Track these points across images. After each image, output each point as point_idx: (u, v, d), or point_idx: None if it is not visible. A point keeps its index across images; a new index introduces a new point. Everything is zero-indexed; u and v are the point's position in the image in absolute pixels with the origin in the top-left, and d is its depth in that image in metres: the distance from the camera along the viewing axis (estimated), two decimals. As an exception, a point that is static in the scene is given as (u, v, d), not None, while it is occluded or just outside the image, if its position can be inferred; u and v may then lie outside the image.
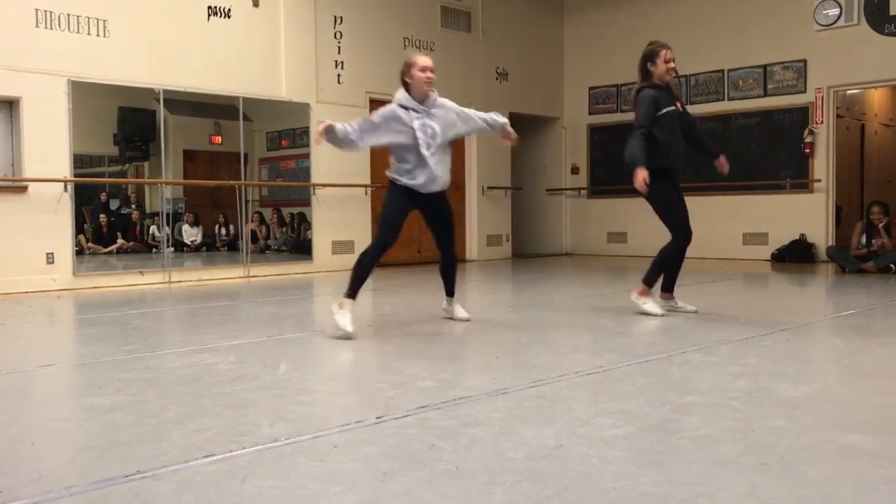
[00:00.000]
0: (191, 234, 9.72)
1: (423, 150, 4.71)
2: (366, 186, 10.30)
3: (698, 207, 11.64)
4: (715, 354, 3.95)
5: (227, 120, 9.43)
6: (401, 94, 4.78)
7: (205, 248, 9.82)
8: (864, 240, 8.90)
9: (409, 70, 4.73)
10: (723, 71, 11.34)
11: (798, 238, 10.48)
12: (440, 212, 4.99)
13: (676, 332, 4.69)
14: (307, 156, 9.81)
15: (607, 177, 12.59)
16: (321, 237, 9.90)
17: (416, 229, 11.14)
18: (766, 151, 10.94)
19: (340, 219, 10.07)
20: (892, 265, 8.60)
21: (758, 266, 10.09)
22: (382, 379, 3.57)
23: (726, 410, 2.84)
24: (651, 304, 5.38)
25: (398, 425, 2.67)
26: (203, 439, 2.53)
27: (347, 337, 4.51)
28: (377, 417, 2.76)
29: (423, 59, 4.74)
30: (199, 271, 9.02)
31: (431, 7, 11.17)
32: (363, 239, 10.29)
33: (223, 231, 9.93)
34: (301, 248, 10.01)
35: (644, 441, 2.47)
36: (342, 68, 10.05)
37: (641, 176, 5.03)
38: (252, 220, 9.84)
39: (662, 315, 5.28)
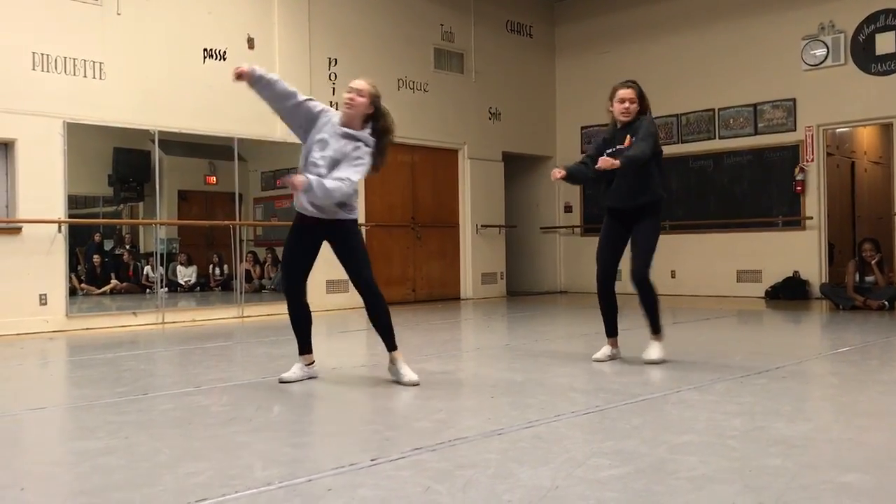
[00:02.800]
0: (185, 274, 9.70)
1: (312, 167, 4.27)
2: (360, 225, 10.30)
3: (692, 245, 11.75)
4: (711, 393, 3.94)
5: (221, 160, 9.48)
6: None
7: (199, 288, 9.79)
8: (857, 277, 8.93)
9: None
10: (713, 110, 11.47)
11: (791, 275, 10.50)
12: (342, 240, 4.53)
13: (672, 371, 4.68)
14: (301, 195, 9.83)
15: (601, 215, 12.61)
16: (315, 276, 9.77)
17: (410, 267, 11.18)
18: (757, 189, 11.02)
19: (334, 258, 10.02)
20: (886, 301, 8.62)
21: (752, 303, 10.10)
22: (377, 420, 3.55)
23: (723, 450, 2.83)
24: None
25: (393, 467, 2.65)
26: (196, 483, 2.50)
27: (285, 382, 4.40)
28: (372, 460, 2.73)
29: (356, 83, 4.40)
30: (193, 312, 8.98)
31: (425, 49, 11.30)
32: (357, 278, 10.29)
33: (217, 271, 9.91)
34: (295, 287, 9.98)
35: (641, 482, 2.46)
36: (337, 109, 10.12)
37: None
38: (246, 260, 9.83)
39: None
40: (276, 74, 4.44)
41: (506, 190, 12.40)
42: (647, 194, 5.06)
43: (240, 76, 4.34)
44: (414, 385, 4.25)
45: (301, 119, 4.39)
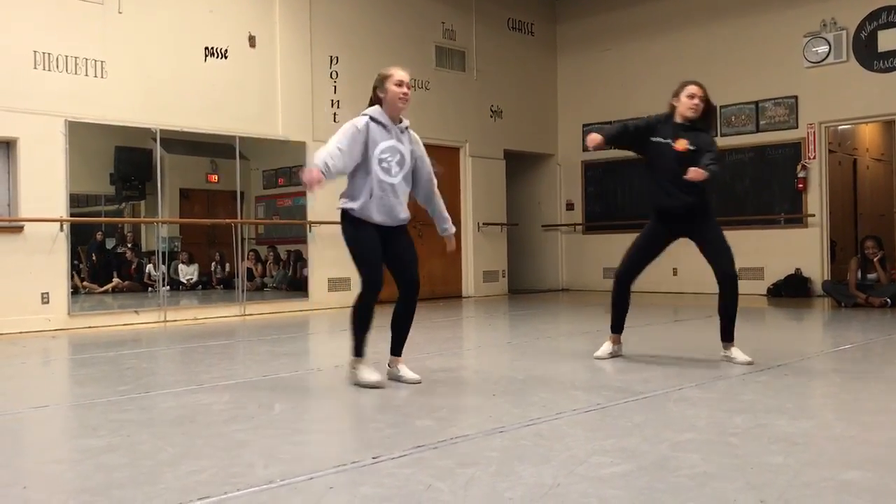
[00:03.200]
0: (186, 272, 9.70)
1: (383, 176, 4.14)
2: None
3: (694, 243, 11.70)
4: (712, 391, 3.94)
5: (223, 158, 9.48)
6: (373, 108, 4.28)
7: (200, 286, 9.79)
8: (860, 275, 8.92)
9: (382, 84, 4.26)
10: (715, 107, 11.44)
11: (794, 273, 10.49)
12: (399, 242, 4.33)
13: (673, 369, 4.67)
14: (303, 193, 9.84)
15: (602, 212, 12.65)
16: (317, 274, 9.90)
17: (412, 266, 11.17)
18: (759, 187, 11.01)
19: (337, 256, 10.04)
20: (889, 299, 8.61)
21: (754, 301, 10.09)
22: (378, 418, 3.55)
23: (725, 447, 2.83)
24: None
25: (395, 465, 2.65)
26: (197, 481, 2.50)
27: (379, 386, 4.14)
28: (373, 457, 2.74)
29: (401, 73, 4.26)
30: (195, 310, 8.99)
31: (426, 47, 11.30)
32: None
33: (219, 269, 9.91)
34: (297, 285, 9.99)
35: (642, 479, 2.46)
36: (338, 107, 10.14)
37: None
38: (248, 258, 9.84)
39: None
40: (329, 158, 4.16)
41: (507, 188, 12.39)
42: (704, 192, 4.96)
43: (312, 185, 4.11)
44: (416, 383, 4.24)
45: (356, 151, 4.19)
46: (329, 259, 9.97)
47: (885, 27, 9.95)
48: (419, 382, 4.26)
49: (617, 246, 12.27)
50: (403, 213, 4.27)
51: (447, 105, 11.54)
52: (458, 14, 11.70)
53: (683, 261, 11.73)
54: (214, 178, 9.82)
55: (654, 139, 4.91)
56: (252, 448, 2.93)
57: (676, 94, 4.99)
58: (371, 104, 4.33)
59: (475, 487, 2.40)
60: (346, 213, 4.28)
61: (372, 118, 4.20)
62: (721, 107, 11.40)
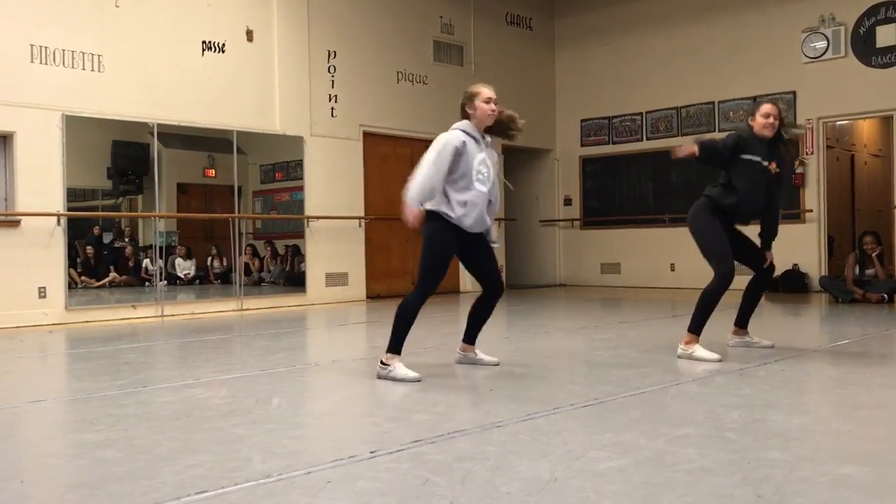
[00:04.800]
0: (184, 267, 9.70)
1: (479, 186, 4.32)
2: (359, 218, 10.33)
3: (691, 238, 11.71)
4: (710, 385, 3.94)
5: (220, 153, 9.46)
6: (463, 123, 4.48)
7: (198, 281, 9.79)
8: (857, 270, 8.93)
9: (472, 101, 4.48)
10: (713, 102, 11.45)
11: (791, 268, 10.50)
12: (481, 248, 4.55)
13: (670, 364, 4.68)
14: (301, 188, 9.84)
15: (600, 208, 12.65)
16: (315, 269, 9.89)
17: (409, 260, 11.17)
18: (757, 182, 11.00)
19: (334, 251, 10.08)
20: (886, 295, 8.62)
21: (751, 296, 10.08)
22: (376, 413, 3.55)
23: (722, 442, 2.83)
24: (702, 351, 4.83)
25: (392, 460, 2.65)
26: (195, 475, 2.50)
27: (418, 379, 4.17)
28: (371, 452, 2.74)
29: (488, 91, 4.50)
30: (192, 304, 8.99)
31: (424, 41, 11.28)
32: (357, 271, 10.30)
33: (216, 264, 9.91)
34: (295, 280, 9.99)
35: (640, 474, 2.46)
36: (336, 102, 10.12)
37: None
38: (245, 253, 9.83)
39: (718, 360, 4.70)
40: (422, 195, 4.36)
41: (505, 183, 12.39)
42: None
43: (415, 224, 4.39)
44: (495, 365, 4.61)
45: (453, 163, 4.35)
46: (327, 254, 9.97)
47: (884, 22, 9.94)
48: (497, 364, 4.62)
49: (615, 241, 12.37)
50: (489, 221, 4.52)
51: (445, 100, 11.51)
52: (457, 8, 11.69)
53: (681, 257, 11.78)
54: (212, 172, 9.81)
55: (745, 157, 5.02)
56: (249, 442, 2.93)
57: (752, 114, 5.19)
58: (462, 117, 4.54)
59: (472, 482, 2.40)
60: (437, 216, 4.41)
61: (466, 132, 4.42)
62: (719, 102, 11.41)
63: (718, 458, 2.61)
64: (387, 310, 8.86)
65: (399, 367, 4.23)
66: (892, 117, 10.09)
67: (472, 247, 4.50)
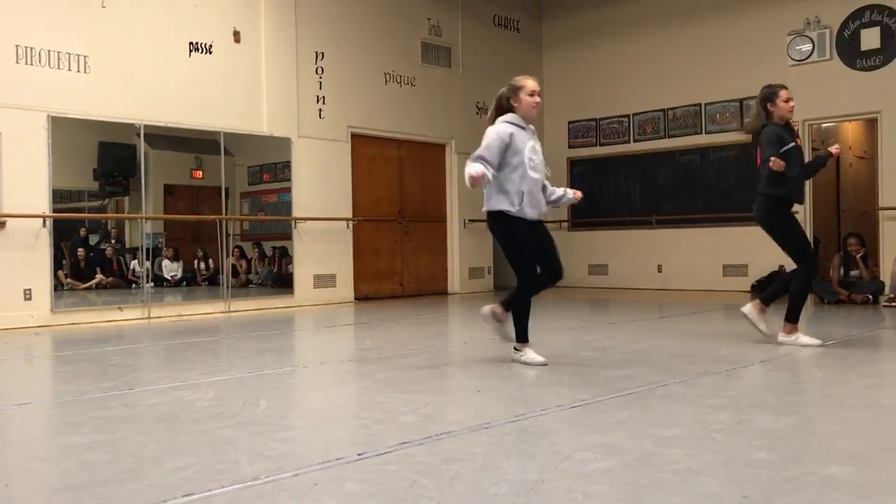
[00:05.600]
0: (171, 268, 9.65)
1: (533, 174, 4.56)
2: (347, 220, 10.31)
3: (679, 239, 11.80)
4: (696, 386, 3.96)
5: (208, 154, 9.43)
6: (509, 115, 4.64)
7: (185, 283, 9.75)
8: (842, 272, 9.00)
9: (516, 94, 4.62)
10: (700, 105, 11.51)
11: (777, 269, 10.55)
12: (543, 236, 4.75)
13: (657, 365, 4.70)
14: (288, 190, 9.82)
15: (588, 209, 12.68)
16: (303, 271, 9.87)
17: (397, 261, 11.17)
18: (743, 184, 11.05)
19: (322, 252, 10.06)
20: (870, 296, 8.69)
21: (738, 297, 10.14)
22: (364, 415, 3.55)
23: (708, 443, 2.84)
24: (804, 338, 5.46)
25: (380, 461, 2.65)
26: (182, 478, 2.50)
27: (545, 364, 4.63)
28: (358, 454, 2.73)
29: (532, 83, 4.64)
30: (179, 306, 8.95)
31: (412, 43, 11.28)
32: (345, 272, 10.28)
33: (203, 266, 9.87)
34: (282, 282, 9.97)
35: (627, 475, 2.47)
36: (324, 103, 10.11)
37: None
38: (233, 255, 9.80)
39: (820, 345, 5.35)
40: (483, 167, 4.48)
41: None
42: None
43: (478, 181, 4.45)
44: (543, 365, 4.63)
45: (506, 152, 4.59)
46: (314, 256, 9.95)
47: (868, 26, 10.02)
48: (546, 364, 4.64)
49: (602, 243, 12.40)
50: (545, 206, 4.76)
51: (433, 101, 11.54)
52: (445, 10, 11.70)
53: (669, 258, 11.84)
54: (199, 173, 9.77)
55: (784, 148, 5.35)
56: (237, 445, 2.92)
57: (771, 100, 5.45)
58: (498, 111, 4.70)
59: (460, 483, 2.40)
60: (499, 215, 4.60)
61: (512, 123, 4.60)
62: (705, 104, 11.47)
63: (705, 459, 2.63)
64: (375, 311, 8.87)
65: (528, 353, 4.69)
66: (877, 119, 10.17)
67: (534, 233, 4.67)
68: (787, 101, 5.44)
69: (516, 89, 4.64)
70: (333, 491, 2.36)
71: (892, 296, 8.40)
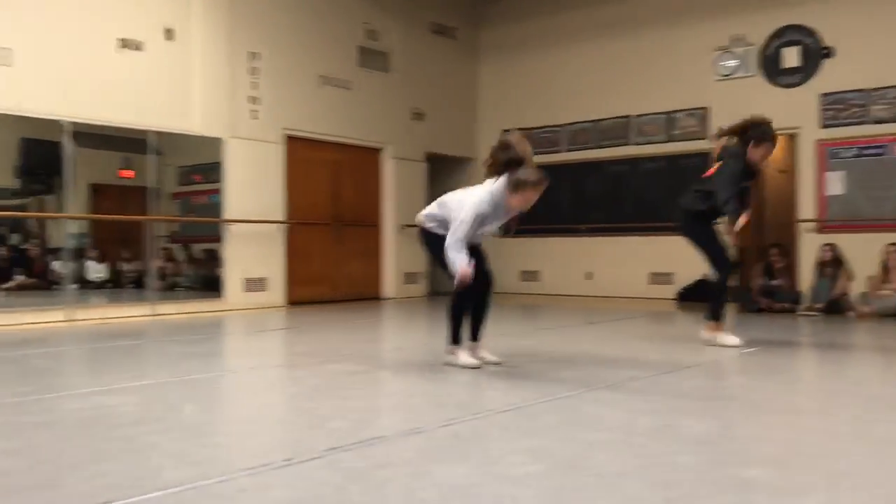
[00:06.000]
0: (95, 270, 9.39)
1: (476, 240, 4.82)
2: (281, 223, 10.19)
3: (608, 248, 12.02)
4: (623, 391, 4.04)
5: (136, 154, 9.20)
6: (499, 188, 4.59)
7: (110, 285, 9.49)
8: (764, 281, 9.31)
9: (516, 189, 4.56)
10: (628, 117, 11.76)
11: (702, 278, 10.83)
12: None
13: (587, 370, 4.78)
14: (220, 191, 9.65)
15: (520, 217, 12.80)
16: (233, 274, 9.70)
17: (330, 266, 11.09)
18: (670, 195, 11.27)
19: (253, 256, 9.91)
20: (790, 304, 9.01)
21: (663, 305, 10.40)
22: (293, 420, 3.51)
23: (634, 447, 2.90)
24: (726, 337, 5.76)
25: (308, 468, 2.63)
26: (102, 485, 2.43)
27: (478, 366, 4.72)
28: (286, 460, 2.70)
29: (535, 193, 4.60)
30: (104, 309, 8.70)
31: (349, 46, 11.23)
32: (277, 276, 10.15)
33: (130, 268, 9.62)
34: (211, 285, 9.78)
35: (554, 479, 2.50)
36: (257, 104, 9.98)
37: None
38: (160, 257, 9.58)
39: (740, 345, 5.67)
40: (461, 255, 4.56)
41: (429, 190, 12.42)
42: None
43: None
44: (498, 364, 4.80)
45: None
46: (245, 259, 9.79)
47: (789, 45, 10.40)
48: (500, 364, 4.81)
49: (534, 250, 12.54)
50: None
51: (369, 106, 11.50)
52: (382, 15, 11.68)
53: (598, 266, 12.05)
54: (127, 173, 9.53)
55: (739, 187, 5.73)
56: (161, 450, 2.86)
57: (759, 143, 5.84)
58: (499, 169, 4.62)
59: (389, 489, 2.40)
60: (436, 237, 4.73)
61: (495, 202, 4.63)
62: (634, 116, 11.72)
63: (630, 463, 2.68)
64: (307, 316, 8.77)
65: (461, 355, 4.79)
66: (797, 135, 10.55)
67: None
68: (765, 156, 5.82)
69: (524, 184, 4.56)
70: (260, 497, 2.33)
71: (809, 305, 8.72)
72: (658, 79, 11.41)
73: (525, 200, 4.60)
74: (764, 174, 12.46)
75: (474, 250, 4.86)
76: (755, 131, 5.81)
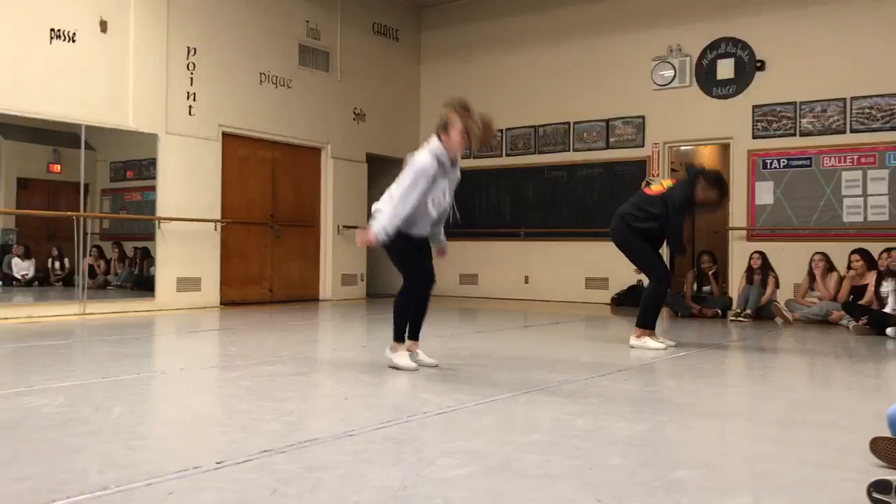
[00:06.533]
0: (21, 267, 9.09)
1: (433, 211, 4.70)
2: (216, 221, 10.01)
3: (545, 252, 12.15)
4: (557, 394, 4.08)
5: (67, 148, 8.94)
6: (437, 147, 4.62)
7: (37, 283, 9.19)
8: (695, 287, 9.55)
9: (446, 128, 4.61)
10: (568, 123, 11.92)
11: (635, 283, 11.05)
12: (423, 243, 4.97)
13: (521, 373, 4.82)
14: (153, 188, 9.44)
15: (460, 220, 12.84)
16: (165, 273, 9.49)
17: (267, 266, 10.95)
18: (607, 201, 11.52)
19: (187, 254, 9.72)
20: (720, 310, 9.25)
21: (599, 309, 10.56)
22: (225, 422, 3.45)
23: (567, 449, 2.94)
24: (652, 342, 6.07)
25: (240, 470, 2.58)
26: (23, 488, 2.34)
27: (416, 369, 4.77)
28: (217, 462, 2.66)
29: (462, 122, 4.58)
30: (30, 308, 8.42)
31: (289, 44, 11.12)
32: (211, 275, 9.98)
33: (58, 265, 9.34)
34: (143, 284, 9.56)
35: (487, 480, 2.51)
36: (194, 100, 9.79)
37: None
38: (91, 254, 9.32)
39: (666, 348, 6.00)
40: (391, 226, 4.61)
41: (369, 191, 12.38)
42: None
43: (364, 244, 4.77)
44: (434, 367, 4.83)
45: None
46: (179, 258, 9.60)
47: (724, 56, 10.69)
48: (436, 366, 4.83)
49: (473, 253, 12.60)
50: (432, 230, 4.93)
51: (310, 105, 11.41)
52: (323, 14, 11.60)
53: (535, 270, 12.17)
54: (57, 167, 9.26)
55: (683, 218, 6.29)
56: (86, 453, 2.78)
57: (712, 188, 6.14)
58: (438, 130, 4.71)
59: (322, 491, 2.38)
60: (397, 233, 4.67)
61: (439, 160, 4.60)
62: (574, 123, 11.89)
63: (563, 465, 2.71)
64: (242, 317, 8.64)
65: (401, 356, 4.81)
66: (730, 145, 10.84)
67: (422, 246, 4.94)
68: (707, 200, 6.13)
69: (448, 123, 4.60)
70: (189, 500, 2.28)
71: (738, 311, 8.97)
72: (597, 86, 11.60)
73: (459, 133, 4.58)
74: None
75: (423, 246, 4.91)
76: (712, 174, 6.17)
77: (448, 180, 4.72)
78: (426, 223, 4.78)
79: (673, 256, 6.75)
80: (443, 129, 4.63)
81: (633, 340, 6.13)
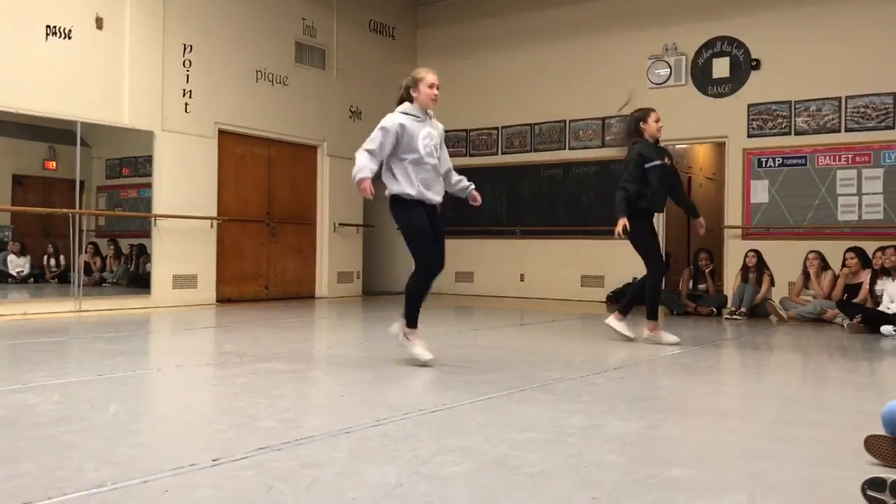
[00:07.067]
0: (17, 264, 9.07)
1: (429, 160, 4.81)
2: (212, 219, 10.00)
3: (541, 250, 12.16)
4: (553, 392, 4.09)
5: (63, 145, 8.92)
6: (404, 106, 4.92)
7: (32, 280, 9.18)
8: (691, 285, 9.56)
9: (416, 85, 4.91)
10: (564, 121, 11.93)
11: (631, 281, 11.06)
12: (437, 224, 4.94)
13: (518, 371, 4.83)
14: (149, 185, 9.43)
15: (457, 217, 12.84)
16: (161, 271, 9.48)
17: (263, 264, 10.94)
18: (602, 199, 11.55)
19: (183, 252, 9.71)
20: (715, 308, 9.27)
21: (594, 307, 10.57)
22: (221, 420, 3.45)
23: (562, 446, 2.95)
24: (666, 335, 6.23)
25: (235, 468, 2.59)
26: (19, 485, 2.35)
27: (429, 365, 4.77)
28: (213, 460, 2.66)
29: (432, 76, 4.94)
30: (26, 304, 8.41)
31: (286, 42, 11.11)
32: (207, 273, 9.97)
33: (54, 262, 9.33)
34: (139, 281, 9.55)
35: (483, 478, 2.52)
36: (190, 97, 9.78)
37: (621, 223, 6.08)
38: (86, 251, 9.31)
39: (678, 342, 6.17)
40: (366, 167, 4.77)
41: (364, 189, 12.38)
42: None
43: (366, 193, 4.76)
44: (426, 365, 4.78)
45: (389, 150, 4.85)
46: (175, 255, 9.59)
47: (720, 55, 10.71)
48: (430, 365, 4.79)
49: (469, 251, 12.60)
50: (443, 190, 5.00)
51: (306, 102, 11.40)
52: (320, 11, 11.59)
53: (531, 268, 12.18)
54: (52, 164, 9.24)
55: (648, 165, 6.08)
56: (82, 450, 2.78)
57: (644, 120, 6.16)
58: (401, 102, 5.00)
59: (318, 489, 2.38)
60: (399, 199, 4.81)
61: (406, 114, 4.88)
62: (570, 121, 11.90)
63: (558, 462, 2.72)
64: (237, 314, 8.64)
65: (417, 346, 4.82)
66: (725, 144, 10.86)
67: (432, 220, 4.91)
68: (656, 121, 6.15)
69: (416, 80, 4.93)
70: (185, 498, 2.29)
71: (733, 309, 8.99)
72: (593, 84, 11.61)
73: (427, 86, 4.91)
74: (693, 181, 12.81)
75: (437, 217, 4.91)
76: (636, 116, 6.24)
77: (429, 128, 4.91)
78: (433, 180, 4.85)
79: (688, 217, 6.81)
80: (413, 86, 4.94)
81: (647, 334, 6.29)
